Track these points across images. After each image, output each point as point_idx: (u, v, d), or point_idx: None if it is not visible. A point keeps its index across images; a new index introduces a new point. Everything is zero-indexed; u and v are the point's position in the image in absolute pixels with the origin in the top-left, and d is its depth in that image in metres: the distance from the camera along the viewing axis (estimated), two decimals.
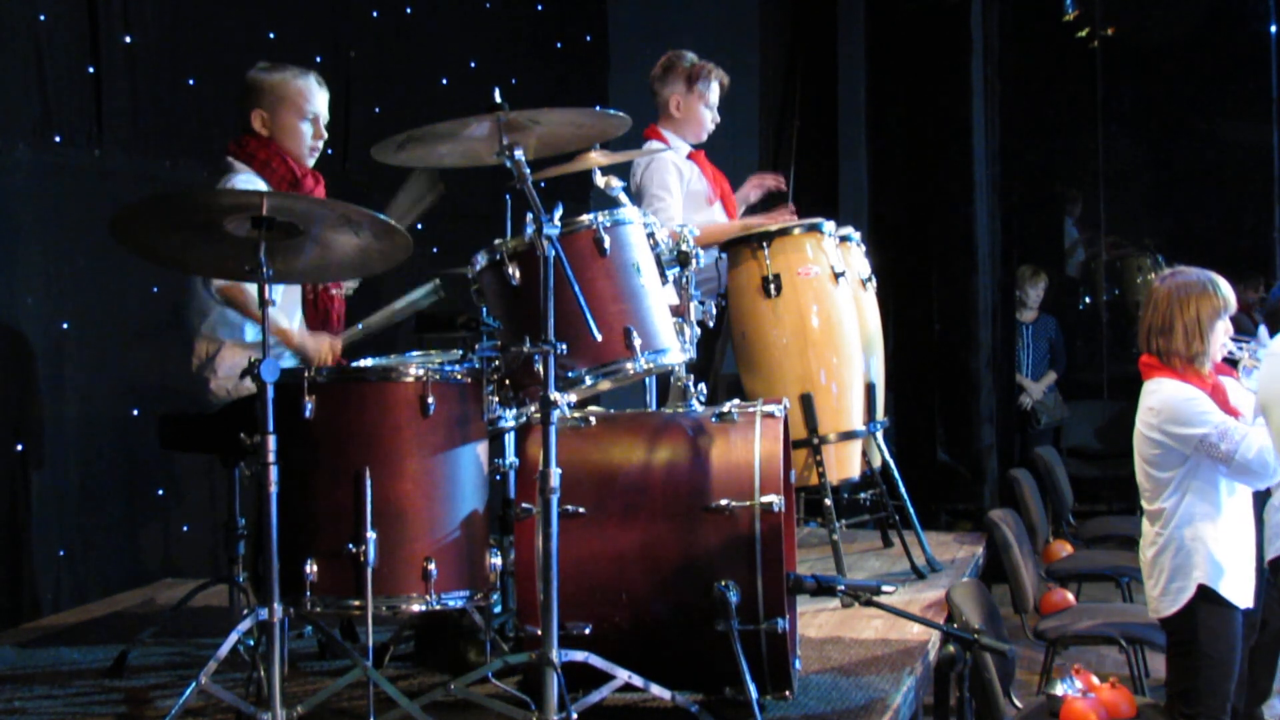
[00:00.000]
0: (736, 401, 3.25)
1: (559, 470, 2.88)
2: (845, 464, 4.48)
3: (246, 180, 3.73)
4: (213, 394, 3.72)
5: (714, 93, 4.98)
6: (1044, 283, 8.33)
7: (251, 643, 3.11)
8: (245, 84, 3.85)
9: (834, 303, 4.38)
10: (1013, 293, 7.76)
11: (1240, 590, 3.78)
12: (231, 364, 3.68)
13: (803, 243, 4.40)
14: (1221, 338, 3.83)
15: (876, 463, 4.73)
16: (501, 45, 6.89)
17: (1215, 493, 3.76)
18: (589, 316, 2.95)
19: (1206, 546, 3.73)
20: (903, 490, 4.73)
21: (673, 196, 4.80)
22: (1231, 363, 4.06)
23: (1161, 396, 3.78)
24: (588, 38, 7.56)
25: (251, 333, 3.71)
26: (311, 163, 3.88)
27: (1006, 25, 7.42)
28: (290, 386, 3.03)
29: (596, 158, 3.51)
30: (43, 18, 4.59)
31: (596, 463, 3.14)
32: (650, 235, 3.27)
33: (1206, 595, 3.74)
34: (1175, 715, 3.75)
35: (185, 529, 5.16)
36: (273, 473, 2.89)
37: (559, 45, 7.34)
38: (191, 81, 5.15)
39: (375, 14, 6.19)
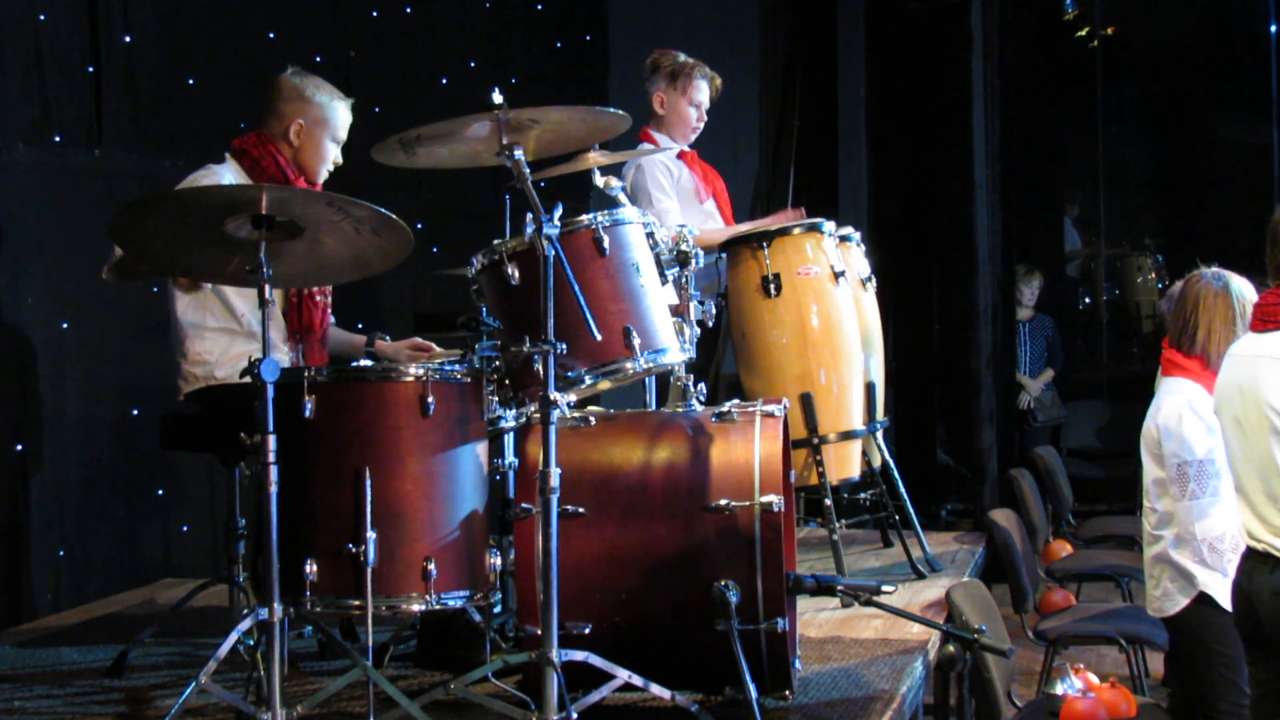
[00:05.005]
0: (736, 401, 3.25)
1: (559, 470, 2.88)
2: (845, 464, 4.48)
3: (210, 175, 3.74)
4: (181, 379, 3.76)
5: (700, 92, 4.96)
6: (1038, 281, 8.34)
7: (251, 643, 3.11)
8: (286, 87, 3.86)
9: (834, 303, 4.37)
10: (1012, 293, 7.76)
11: None
12: (200, 349, 3.72)
13: (802, 243, 4.39)
14: None
15: (876, 463, 4.73)
16: (501, 45, 6.89)
17: (1216, 499, 3.74)
18: (589, 316, 2.95)
19: (1204, 552, 3.72)
20: (903, 490, 4.73)
21: (669, 198, 4.81)
22: None
23: (1175, 402, 3.76)
24: (588, 37, 7.56)
25: (216, 321, 3.74)
26: (320, 181, 3.92)
27: (1006, 25, 7.41)
28: (290, 386, 3.03)
29: (596, 158, 3.51)
30: (43, 18, 4.60)
31: (596, 463, 3.14)
32: (650, 235, 3.27)
33: (1205, 599, 3.73)
34: (1196, 715, 3.74)
35: (185, 529, 5.16)
36: (272, 472, 2.89)
37: (559, 45, 7.34)
38: (191, 81, 5.15)
39: (375, 14, 6.19)
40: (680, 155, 4.97)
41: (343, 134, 3.94)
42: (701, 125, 5.03)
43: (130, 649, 3.62)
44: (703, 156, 5.07)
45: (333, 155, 3.94)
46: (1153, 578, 3.84)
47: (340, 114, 3.92)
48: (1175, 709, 3.94)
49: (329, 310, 3.96)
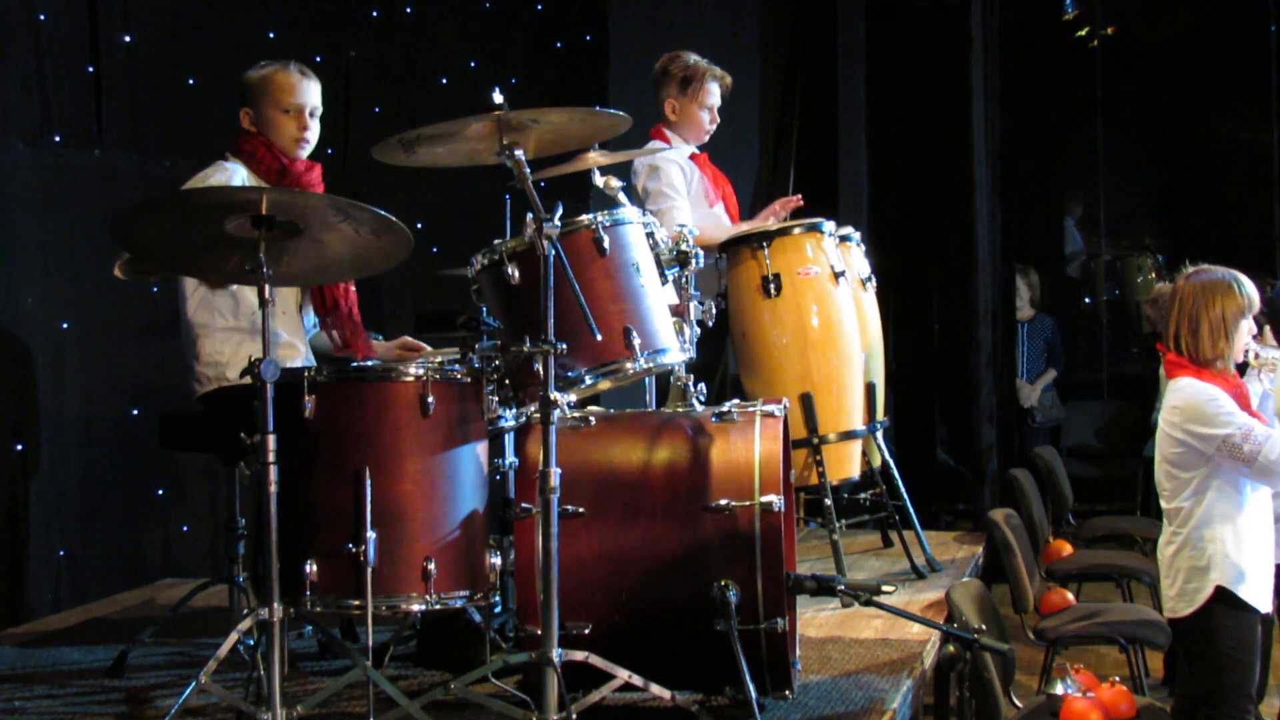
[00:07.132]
0: (736, 401, 3.25)
1: (559, 470, 2.89)
2: (845, 464, 4.48)
3: (222, 172, 3.73)
4: (195, 380, 3.74)
5: (711, 95, 4.92)
6: (1039, 281, 8.33)
7: (251, 643, 3.11)
8: (235, 94, 3.88)
9: (834, 303, 4.38)
10: (1013, 293, 7.75)
11: (1258, 594, 3.75)
12: (211, 350, 3.70)
13: (802, 242, 4.40)
14: (1245, 336, 3.82)
15: (876, 463, 4.73)
16: (501, 45, 6.89)
17: (1236, 494, 3.73)
18: (589, 316, 2.95)
19: (1225, 548, 3.71)
20: (903, 490, 4.73)
21: (680, 198, 4.79)
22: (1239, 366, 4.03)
23: (1185, 395, 3.76)
24: (588, 37, 7.56)
25: (227, 321, 3.72)
26: (304, 154, 3.86)
27: (1006, 25, 7.41)
28: (290, 386, 3.03)
29: (596, 158, 3.51)
30: (43, 18, 4.60)
31: (596, 463, 3.14)
32: (650, 235, 3.27)
33: (1223, 598, 3.72)
34: (1199, 716, 3.74)
35: (185, 529, 5.16)
36: (272, 472, 2.89)
37: (559, 45, 7.34)
38: (191, 81, 5.15)
39: (375, 14, 6.19)
40: (692, 157, 4.95)
41: (290, 98, 3.79)
42: (714, 127, 4.98)
43: (130, 649, 3.63)
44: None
45: (290, 125, 3.80)
46: (1169, 578, 3.82)
47: (276, 81, 3.80)
48: (1179, 709, 3.94)
49: (352, 288, 3.91)
